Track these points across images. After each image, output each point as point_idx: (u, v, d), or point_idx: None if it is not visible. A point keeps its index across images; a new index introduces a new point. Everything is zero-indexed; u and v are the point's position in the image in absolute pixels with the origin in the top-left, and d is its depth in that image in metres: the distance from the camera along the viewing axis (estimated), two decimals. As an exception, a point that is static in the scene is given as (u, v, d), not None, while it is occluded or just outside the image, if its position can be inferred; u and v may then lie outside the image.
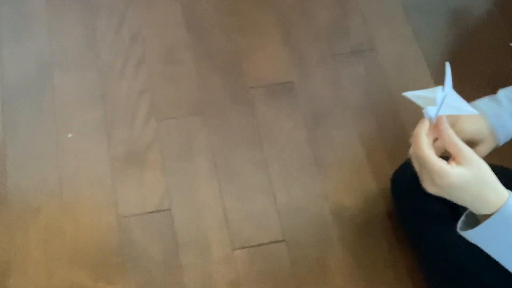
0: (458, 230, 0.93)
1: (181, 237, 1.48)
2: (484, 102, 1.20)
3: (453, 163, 0.84)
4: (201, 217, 1.51)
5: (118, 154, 1.57)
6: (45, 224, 1.47)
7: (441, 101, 0.83)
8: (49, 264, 1.42)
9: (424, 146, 0.84)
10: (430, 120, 0.85)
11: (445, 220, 1.31)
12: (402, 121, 1.68)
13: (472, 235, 0.91)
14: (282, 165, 1.59)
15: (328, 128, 1.66)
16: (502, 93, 1.21)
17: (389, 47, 1.80)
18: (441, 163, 0.83)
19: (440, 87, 0.85)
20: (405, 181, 1.39)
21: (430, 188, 0.87)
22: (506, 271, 1.22)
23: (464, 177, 0.83)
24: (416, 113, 1.67)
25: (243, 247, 1.47)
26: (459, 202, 0.88)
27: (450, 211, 1.31)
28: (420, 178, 0.88)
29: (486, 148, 1.18)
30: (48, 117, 1.61)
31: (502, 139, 1.18)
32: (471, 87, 1.70)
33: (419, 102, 0.86)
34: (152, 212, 1.50)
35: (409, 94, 0.86)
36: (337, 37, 1.80)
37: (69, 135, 1.58)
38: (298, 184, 1.57)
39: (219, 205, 1.52)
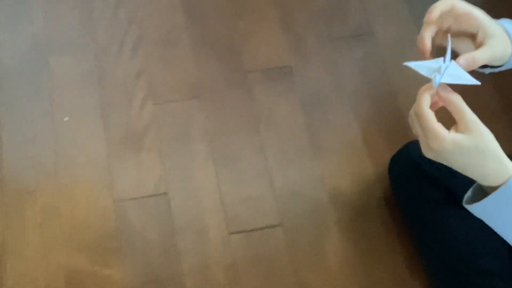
0: (464, 203, 0.91)
1: (178, 221, 1.48)
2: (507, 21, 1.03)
3: (452, 129, 0.83)
4: (198, 201, 1.51)
5: (114, 138, 1.57)
6: (41, 207, 1.47)
7: (443, 70, 0.83)
8: (46, 248, 1.42)
9: (424, 104, 0.83)
10: (435, 88, 0.84)
11: (442, 204, 1.32)
12: (399, 105, 1.67)
13: (477, 209, 0.89)
14: (279, 149, 1.59)
15: (325, 112, 1.65)
16: None
17: (388, 31, 1.79)
18: (437, 124, 0.82)
19: (441, 59, 0.84)
20: (403, 166, 1.40)
21: (426, 152, 0.86)
22: (501, 256, 1.23)
23: (460, 144, 0.82)
24: (414, 97, 1.67)
25: (240, 231, 1.48)
26: (459, 170, 0.86)
27: (447, 196, 1.31)
28: (420, 141, 0.87)
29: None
30: (44, 100, 1.60)
31: None
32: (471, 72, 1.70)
33: (422, 71, 0.85)
34: (149, 196, 1.50)
35: (411, 64, 0.85)
36: (335, 20, 1.79)
37: (66, 119, 1.57)
38: (294, 168, 1.57)
39: (215, 189, 1.52)
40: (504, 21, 0.94)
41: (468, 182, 1.32)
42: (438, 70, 0.84)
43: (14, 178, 1.50)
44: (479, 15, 0.90)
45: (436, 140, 0.82)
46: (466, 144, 0.82)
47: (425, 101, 0.84)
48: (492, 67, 0.95)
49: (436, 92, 0.85)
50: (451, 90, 0.85)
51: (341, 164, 1.59)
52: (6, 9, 1.73)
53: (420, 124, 0.84)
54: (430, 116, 0.83)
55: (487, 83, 1.71)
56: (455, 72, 0.84)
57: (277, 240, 1.48)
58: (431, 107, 0.84)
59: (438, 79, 0.83)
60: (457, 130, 0.83)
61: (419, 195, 1.35)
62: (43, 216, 1.46)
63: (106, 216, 1.47)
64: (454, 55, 0.88)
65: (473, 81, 0.84)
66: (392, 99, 1.68)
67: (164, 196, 1.50)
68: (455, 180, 1.30)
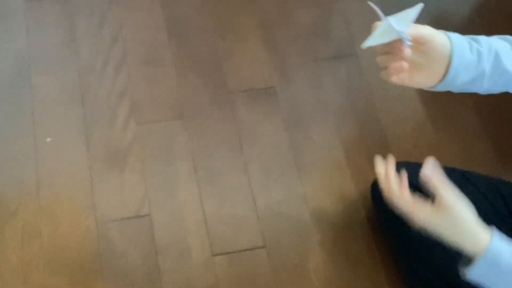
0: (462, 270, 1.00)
1: (160, 242, 1.47)
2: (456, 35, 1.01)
3: (431, 204, 0.98)
4: (181, 221, 1.50)
5: (97, 157, 1.56)
6: (22, 228, 1.45)
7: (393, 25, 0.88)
8: (26, 268, 1.41)
9: (395, 192, 1.04)
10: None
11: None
12: (382, 126, 1.69)
13: (473, 276, 0.98)
14: (262, 169, 1.59)
15: (309, 132, 1.66)
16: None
17: (371, 52, 1.79)
18: (411, 206, 1.01)
19: (383, 21, 0.90)
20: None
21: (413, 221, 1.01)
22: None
23: (432, 219, 0.98)
24: (396, 118, 1.69)
25: (223, 253, 1.47)
26: (441, 238, 0.98)
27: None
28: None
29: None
30: (26, 119, 1.59)
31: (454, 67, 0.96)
32: (453, 94, 1.72)
33: (379, 40, 0.91)
34: (131, 217, 1.49)
35: (368, 43, 0.91)
36: (318, 41, 1.80)
37: (48, 139, 1.56)
38: (278, 188, 1.57)
39: (199, 209, 1.52)
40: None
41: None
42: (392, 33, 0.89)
43: (-6, 197, 1.49)
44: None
45: (414, 218, 1.00)
46: (438, 219, 0.98)
47: (394, 189, 1.04)
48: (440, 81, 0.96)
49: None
50: (431, 171, 1.01)
51: (325, 184, 1.59)
52: (-12, 26, 1.72)
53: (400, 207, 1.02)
54: (404, 203, 1.01)
55: (467, 104, 1.74)
56: (400, 20, 0.89)
57: (261, 261, 1.47)
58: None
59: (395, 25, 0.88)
60: (433, 205, 0.98)
61: (401, 215, 1.36)
62: (24, 236, 1.44)
63: (88, 237, 1.45)
64: None
65: (405, 36, 0.88)
66: (375, 119, 1.70)
67: (147, 217, 1.49)
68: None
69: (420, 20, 0.90)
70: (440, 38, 0.93)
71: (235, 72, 1.72)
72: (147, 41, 1.75)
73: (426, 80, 0.96)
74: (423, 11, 0.90)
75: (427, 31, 0.92)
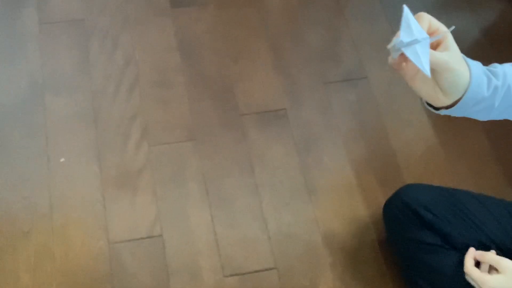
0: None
1: (172, 263, 1.47)
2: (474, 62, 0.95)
3: (494, 272, 1.21)
4: (192, 243, 1.50)
5: (109, 179, 1.57)
6: (35, 249, 1.46)
7: (416, 41, 0.81)
8: (38, 290, 1.41)
9: (468, 265, 1.23)
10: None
11: (435, 249, 1.33)
12: (392, 148, 1.69)
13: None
14: (273, 191, 1.60)
15: (319, 154, 1.67)
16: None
17: (380, 74, 1.82)
18: (481, 274, 1.20)
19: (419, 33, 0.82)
20: (397, 210, 1.40)
21: None
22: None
23: (499, 282, 1.18)
24: (406, 141, 1.69)
25: (234, 274, 1.47)
26: None
27: (441, 240, 1.32)
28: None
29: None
30: (39, 140, 1.60)
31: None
32: (463, 117, 1.72)
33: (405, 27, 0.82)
34: (143, 238, 1.49)
35: (407, 11, 0.82)
36: (328, 64, 1.82)
37: (62, 160, 1.58)
38: (289, 210, 1.58)
39: (210, 231, 1.52)
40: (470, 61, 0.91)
41: (463, 228, 1.33)
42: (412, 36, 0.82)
43: (8, 218, 1.49)
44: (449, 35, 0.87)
45: (483, 284, 1.19)
46: (504, 280, 1.18)
47: (469, 262, 1.23)
48: (446, 108, 0.91)
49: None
50: (484, 252, 1.24)
51: (335, 206, 1.60)
52: (4, 48, 1.74)
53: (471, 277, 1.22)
54: (475, 272, 1.21)
55: (477, 128, 1.74)
56: (421, 50, 0.82)
57: (272, 283, 1.47)
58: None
59: (402, 43, 0.82)
60: (498, 272, 1.20)
61: (413, 238, 1.36)
62: (37, 257, 1.45)
63: (100, 258, 1.46)
64: None
65: (426, 71, 0.81)
66: (385, 142, 1.70)
67: (159, 238, 1.50)
68: (450, 225, 1.31)
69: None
70: (461, 71, 0.85)
71: (246, 95, 1.73)
72: (160, 63, 1.76)
73: (427, 95, 0.90)
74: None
75: (446, 57, 0.84)
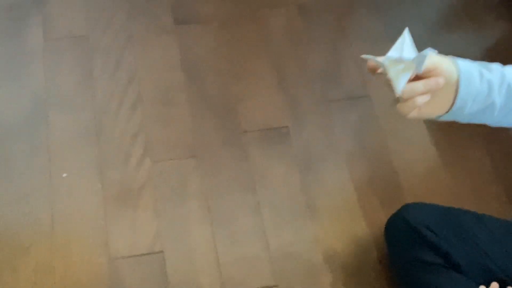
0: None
1: (172, 280, 1.47)
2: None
3: None
4: (193, 261, 1.50)
5: (111, 195, 1.57)
6: (35, 264, 1.45)
7: (401, 60, 0.87)
8: (38, 306, 1.41)
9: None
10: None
11: (437, 268, 1.32)
12: (394, 167, 1.69)
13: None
14: (274, 210, 1.59)
15: (321, 173, 1.67)
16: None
17: (382, 93, 1.82)
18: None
19: (383, 61, 0.89)
20: (399, 230, 1.40)
21: None
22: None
23: None
24: (408, 161, 1.69)
25: (235, 292, 1.47)
26: None
27: (443, 260, 1.31)
28: None
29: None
30: (42, 156, 1.61)
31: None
32: (464, 136, 1.73)
33: (404, 78, 0.88)
34: (144, 254, 1.49)
35: (399, 88, 0.88)
36: (330, 83, 1.83)
37: (64, 175, 1.58)
38: (290, 228, 1.57)
39: (211, 249, 1.52)
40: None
41: (464, 249, 1.32)
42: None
43: (9, 234, 1.49)
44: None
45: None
46: None
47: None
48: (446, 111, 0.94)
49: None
50: None
51: (337, 225, 1.59)
52: (7, 65, 1.75)
53: None
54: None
55: (479, 147, 1.74)
56: (402, 71, 0.87)
57: (272, 302, 1.47)
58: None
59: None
60: None
61: (415, 258, 1.35)
62: (37, 273, 1.44)
63: (100, 274, 1.45)
64: None
65: (398, 89, 0.89)
66: (387, 161, 1.70)
67: (159, 254, 1.49)
68: (452, 245, 1.31)
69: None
70: (447, 65, 0.90)
71: (249, 113, 1.74)
72: (163, 81, 1.77)
73: (434, 110, 0.93)
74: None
75: (433, 58, 0.89)
